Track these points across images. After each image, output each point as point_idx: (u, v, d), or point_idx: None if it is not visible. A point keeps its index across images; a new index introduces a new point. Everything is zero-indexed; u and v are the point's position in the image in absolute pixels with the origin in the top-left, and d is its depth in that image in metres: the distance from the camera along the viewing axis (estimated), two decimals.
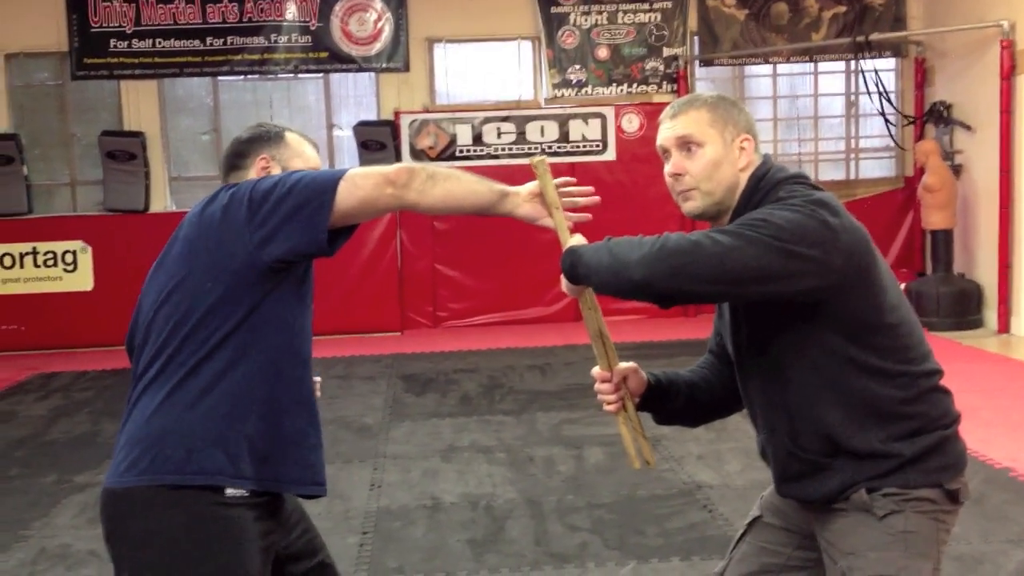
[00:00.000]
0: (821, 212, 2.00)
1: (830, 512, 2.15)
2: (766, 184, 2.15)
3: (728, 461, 5.39)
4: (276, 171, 2.35)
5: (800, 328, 2.09)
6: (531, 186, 2.25)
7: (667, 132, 2.20)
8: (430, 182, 2.14)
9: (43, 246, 9.73)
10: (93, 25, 9.78)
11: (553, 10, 10.14)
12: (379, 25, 10.00)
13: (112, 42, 9.80)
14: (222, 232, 2.15)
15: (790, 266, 1.95)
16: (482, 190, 2.23)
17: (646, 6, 10.20)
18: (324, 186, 2.11)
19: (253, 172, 2.37)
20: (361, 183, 2.12)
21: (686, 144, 2.17)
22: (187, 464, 2.12)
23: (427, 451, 5.85)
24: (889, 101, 9.95)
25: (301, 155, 2.42)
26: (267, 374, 2.19)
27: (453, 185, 2.18)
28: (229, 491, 2.14)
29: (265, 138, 2.43)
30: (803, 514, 2.26)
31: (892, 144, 10.30)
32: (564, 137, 10.11)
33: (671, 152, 2.20)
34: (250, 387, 2.17)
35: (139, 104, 9.95)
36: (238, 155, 2.41)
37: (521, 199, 2.26)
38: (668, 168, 2.20)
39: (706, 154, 2.15)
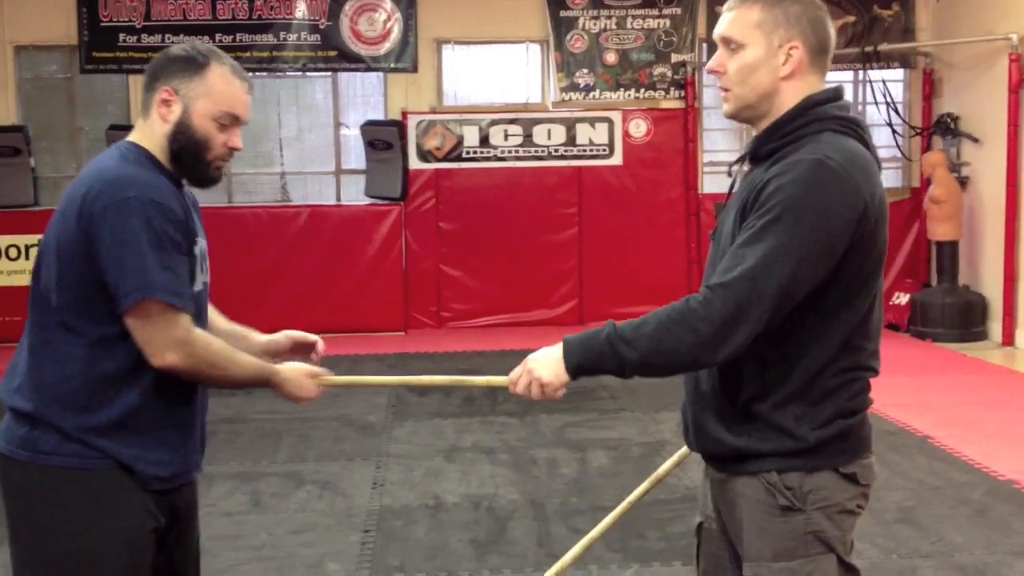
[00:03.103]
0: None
1: (728, 483, 2.10)
2: (814, 114, 2.03)
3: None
4: (177, 109, 2.22)
5: None
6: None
7: (717, 27, 2.12)
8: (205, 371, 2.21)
9: None
10: (103, 19, 9.80)
11: (562, 14, 10.15)
12: (388, 25, 10.01)
13: (121, 36, 9.82)
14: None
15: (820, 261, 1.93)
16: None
17: (655, 12, 10.21)
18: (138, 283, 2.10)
19: (154, 103, 2.24)
20: (156, 320, 2.12)
21: (728, 43, 2.08)
22: None
23: (430, 451, 5.85)
24: (897, 112, 9.96)
25: (210, 94, 2.23)
26: None
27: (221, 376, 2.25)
28: None
29: (181, 65, 2.24)
30: (713, 485, 2.19)
31: (899, 155, 10.30)
32: (571, 141, 10.12)
33: (720, 46, 2.12)
34: None
35: None
36: (151, 76, 2.27)
37: (282, 378, 2.33)
38: (710, 63, 2.14)
39: (745, 56, 2.06)
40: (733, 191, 2.18)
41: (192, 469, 2.37)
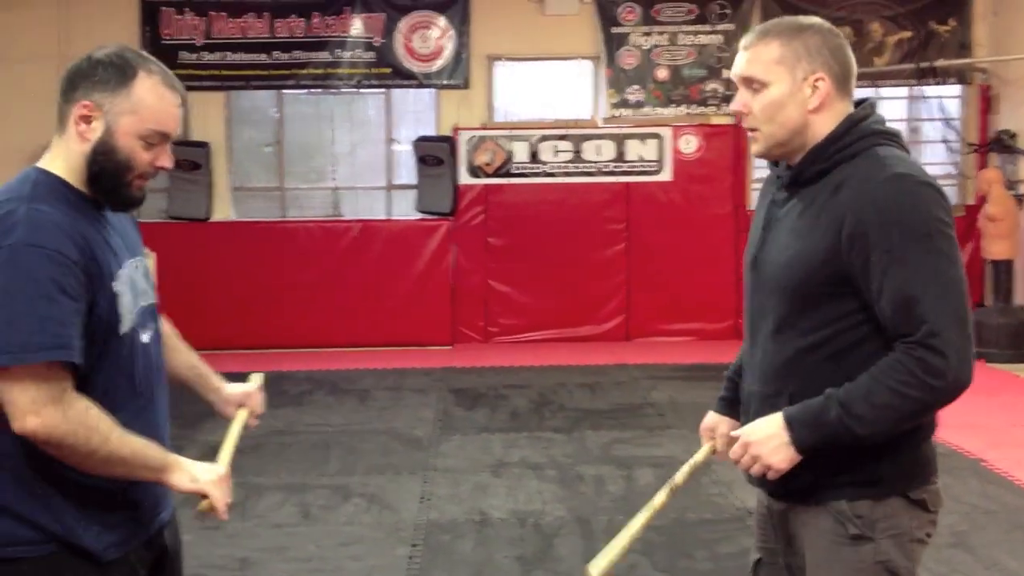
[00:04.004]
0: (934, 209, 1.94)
1: (792, 514, 2.08)
2: (859, 132, 2.02)
3: None
4: (98, 127, 1.96)
5: (831, 293, 2.00)
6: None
7: (735, 67, 2.09)
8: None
9: None
10: (164, 38, 9.99)
11: (614, 30, 10.17)
12: (441, 42, 10.10)
13: (182, 54, 10.01)
14: None
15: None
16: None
17: (708, 28, 10.19)
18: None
19: (72, 117, 1.97)
20: (22, 380, 1.82)
21: (750, 82, 2.06)
22: None
23: (477, 465, 5.87)
24: (952, 128, 9.84)
25: (137, 111, 1.96)
26: None
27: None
28: None
29: (104, 73, 1.96)
30: (773, 517, 2.17)
31: (954, 172, 10.16)
32: (620, 156, 10.12)
33: (740, 86, 2.09)
34: None
35: (206, 115, 10.13)
36: (70, 84, 1.99)
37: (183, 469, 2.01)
38: (733, 104, 2.11)
39: (769, 94, 2.03)
40: (771, 217, 2.15)
41: (154, 519, 2.11)
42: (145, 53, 2.06)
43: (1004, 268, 9.23)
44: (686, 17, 10.18)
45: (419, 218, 10.07)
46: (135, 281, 2.06)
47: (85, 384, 1.94)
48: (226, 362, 9.95)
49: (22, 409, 1.83)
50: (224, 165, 10.20)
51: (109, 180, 1.99)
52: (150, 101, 1.97)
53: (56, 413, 1.83)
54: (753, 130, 2.08)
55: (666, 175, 10.07)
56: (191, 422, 7.08)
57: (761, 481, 2.08)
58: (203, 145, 10.04)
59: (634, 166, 10.12)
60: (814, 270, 1.99)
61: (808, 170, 2.05)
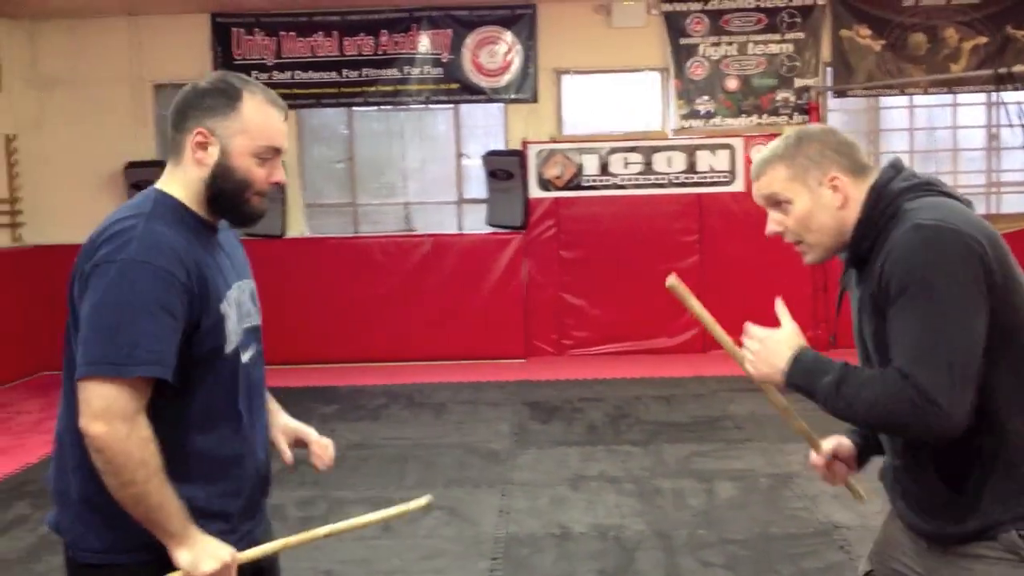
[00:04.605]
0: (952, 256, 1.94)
1: (964, 558, 2.07)
2: (886, 199, 2.07)
3: (866, 501, 5.23)
4: (214, 151, 2.05)
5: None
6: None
7: (755, 195, 2.22)
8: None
9: None
10: (236, 58, 10.18)
11: (682, 41, 10.12)
12: (509, 57, 10.14)
13: (254, 74, 10.15)
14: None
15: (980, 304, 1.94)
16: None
17: (777, 37, 10.09)
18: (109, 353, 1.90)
19: (188, 144, 2.07)
20: (105, 387, 1.90)
21: (775, 202, 2.17)
22: None
23: (554, 479, 5.85)
24: None
25: (248, 130, 2.05)
26: None
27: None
28: None
29: (212, 100, 2.06)
30: (923, 554, 2.17)
31: None
32: (691, 168, 10.05)
33: (767, 208, 2.20)
34: None
35: None
36: (181, 115, 2.09)
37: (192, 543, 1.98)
38: (768, 227, 2.20)
39: (796, 209, 2.14)
40: (849, 295, 2.24)
41: (244, 534, 2.16)
42: (244, 76, 2.15)
43: None
44: (755, 27, 10.09)
45: (490, 232, 10.10)
46: (241, 303, 2.16)
47: (186, 400, 2.01)
48: (303, 376, 10.11)
49: (94, 412, 1.89)
50: (297, 182, 10.33)
51: (229, 200, 2.09)
52: (258, 119, 2.07)
53: (123, 429, 1.90)
54: (798, 243, 2.18)
55: (738, 186, 9.97)
56: None
57: (928, 530, 2.13)
58: None
59: (705, 177, 10.05)
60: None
61: (860, 252, 2.12)
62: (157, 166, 10.52)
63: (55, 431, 2.10)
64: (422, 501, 2.33)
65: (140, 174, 10.07)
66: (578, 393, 8.18)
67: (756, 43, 10.11)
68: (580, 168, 10.08)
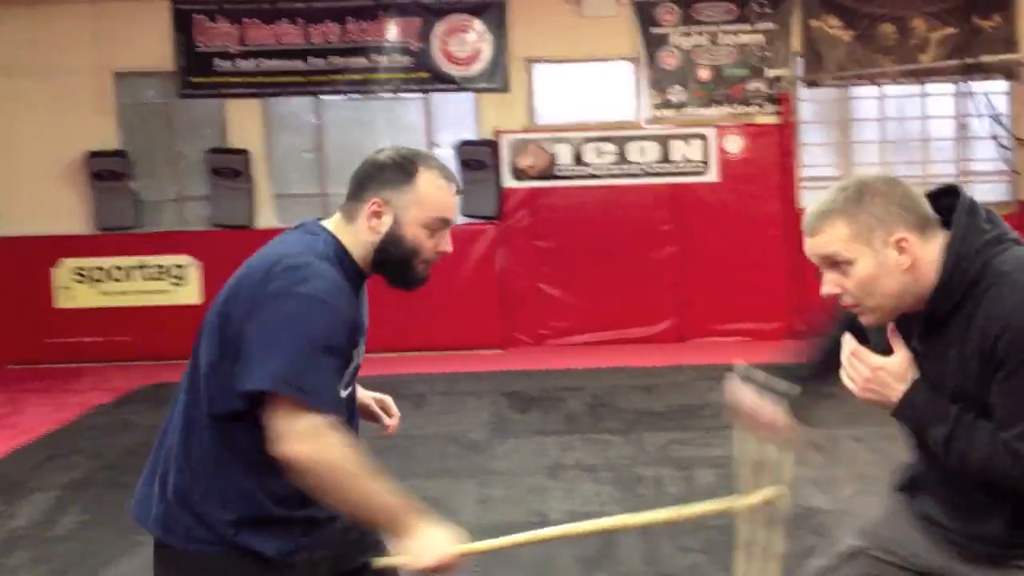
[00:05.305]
0: None
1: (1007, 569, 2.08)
2: (967, 260, 1.94)
3: (841, 486, 5.26)
4: (387, 220, 2.17)
5: None
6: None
7: (808, 250, 2.02)
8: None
9: (152, 260, 9.99)
10: (199, 45, 10.03)
11: (653, 31, 10.10)
12: (479, 46, 10.08)
13: (217, 62, 10.04)
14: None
15: None
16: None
17: (748, 27, 10.10)
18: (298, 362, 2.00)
19: (363, 213, 2.18)
20: (288, 411, 1.98)
21: (834, 263, 1.98)
22: None
23: (533, 468, 5.82)
24: (1001, 124, 9.68)
25: (421, 203, 2.17)
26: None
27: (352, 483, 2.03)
28: None
29: (390, 173, 2.19)
30: (950, 560, 2.17)
31: (1005, 167, 10.00)
32: (665, 158, 10.04)
33: (822, 267, 2.02)
34: None
35: (244, 122, 10.17)
36: (359, 186, 2.22)
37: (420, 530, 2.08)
38: (824, 288, 2.02)
39: (858, 272, 1.95)
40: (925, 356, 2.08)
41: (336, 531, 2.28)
42: (422, 150, 2.30)
43: None
44: (726, 16, 10.09)
45: (464, 222, 10.04)
46: (361, 351, 2.29)
47: None
48: None
49: (291, 436, 1.98)
50: (265, 172, 10.22)
51: (395, 265, 2.22)
52: (431, 192, 2.19)
53: (324, 444, 1.99)
54: (855, 306, 2.01)
55: (712, 176, 9.98)
56: None
57: (980, 550, 2.10)
58: (243, 152, 10.07)
59: (679, 167, 10.04)
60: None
61: (942, 312, 1.99)
62: (118, 156, 10.43)
63: (168, 434, 2.21)
64: (769, 492, 2.27)
65: (101, 163, 9.93)
66: (556, 383, 8.15)
67: (727, 33, 10.12)
68: (553, 158, 10.04)
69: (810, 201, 1.98)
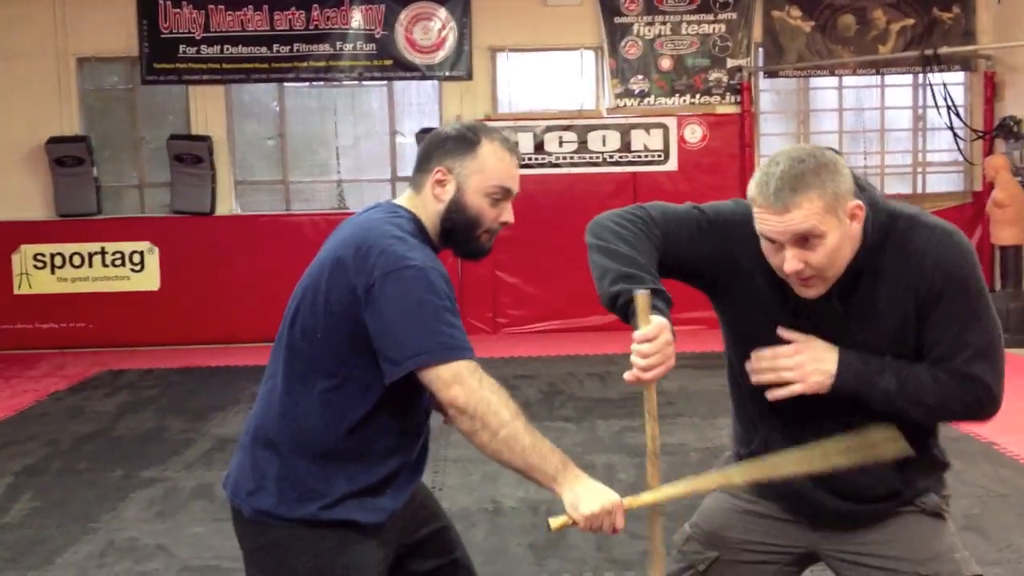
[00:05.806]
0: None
1: (877, 519, 2.18)
2: (880, 215, 2.02)
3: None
4: (451, 188, 2.23)
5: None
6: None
7: (779, 227, 1.92)
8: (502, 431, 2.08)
9: (111, 246, 9.93)
10: (163, 31, 9.96)
11: (616, 20, 10.14)
12: (443, 34, 10.08)
13: (181, 48, 9.98)
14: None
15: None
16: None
17: (710, 17, 10.16)
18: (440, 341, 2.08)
19: (428, 182, 2.26)
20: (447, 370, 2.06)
21: (803, 239, 1.92)
22: None
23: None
24: (958, 115, 9.80)
25: (483, 171, 2.23)
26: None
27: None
28: None
29: (453, 144, 2.26)
30: (810, 530, 2.25)
31: (960, 158, 10.14)
32: (626, 147, 10.10)
33: (784, 245, 1.95)
34: None
35: (206, 109, 10.12)
36: (424, 157, 2.30)
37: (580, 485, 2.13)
38: (786, 265, 1.95)
39: (828, 244, 1.92)
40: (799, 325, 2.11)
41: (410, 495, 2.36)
42: (486, 124, 2.39)
43: (1012, 253, 9.21)
44: (688, 7, 10.15)
45: None
46: None
47: (393, 399, 2.18)
48: (236, 356, 9.97)
49: (446, 382, 2.05)
50: (227, 159, 10.17)
51: (461, 234, 2.28)
52: (493, 162, 2.24)
53: (473, 382, 2.05)
54: (809, 278, 1.98)
55: (671, 165, 10.05)
56: (200, 415, 7.07)
57: (846, 490, 2.16)
58: (205, 139, 10.01)
59: (639, 156, 10.10)
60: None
61: (868, 265, 2.04)
62: (79, 141, 10.31)
63: (254, 425, 2.27)
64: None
65: (62, 149, 9.85)
66: (512, 371, 8.17)
67: (689, 23, 10.17)
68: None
69: (759, 176, 1.96)
